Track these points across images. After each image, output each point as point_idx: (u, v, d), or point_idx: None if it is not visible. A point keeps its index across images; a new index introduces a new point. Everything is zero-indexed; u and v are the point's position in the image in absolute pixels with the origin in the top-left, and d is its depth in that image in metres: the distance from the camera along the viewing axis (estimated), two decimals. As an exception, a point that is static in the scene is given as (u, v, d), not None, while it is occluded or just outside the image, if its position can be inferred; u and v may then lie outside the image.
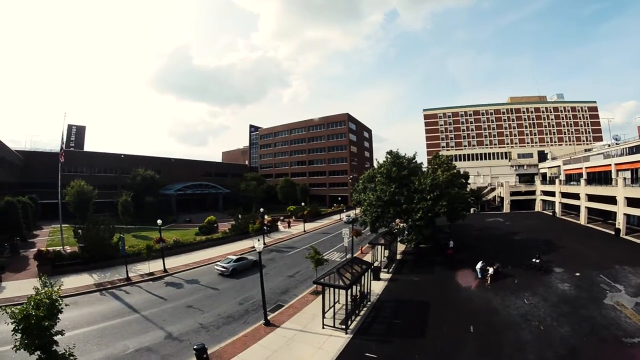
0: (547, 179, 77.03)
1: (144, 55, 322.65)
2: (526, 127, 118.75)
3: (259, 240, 22.01)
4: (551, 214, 64.16)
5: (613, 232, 41.59)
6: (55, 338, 11.38)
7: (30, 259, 30.69)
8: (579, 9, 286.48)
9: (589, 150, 69.64)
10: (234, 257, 31.13)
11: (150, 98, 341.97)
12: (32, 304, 10.92)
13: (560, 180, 64.01)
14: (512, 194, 75.03)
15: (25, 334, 10.60)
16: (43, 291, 11.51)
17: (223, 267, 29.68)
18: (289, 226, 57.67)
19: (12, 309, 10.72)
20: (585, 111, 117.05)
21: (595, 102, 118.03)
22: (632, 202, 39.43)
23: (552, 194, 65.50)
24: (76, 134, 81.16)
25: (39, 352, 10.99)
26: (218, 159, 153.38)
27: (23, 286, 23.97)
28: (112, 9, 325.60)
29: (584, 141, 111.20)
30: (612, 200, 43.04)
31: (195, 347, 14.61)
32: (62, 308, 11.81)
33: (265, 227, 49.74)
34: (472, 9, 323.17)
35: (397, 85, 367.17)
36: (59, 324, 11.61)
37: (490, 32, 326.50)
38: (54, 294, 11.57)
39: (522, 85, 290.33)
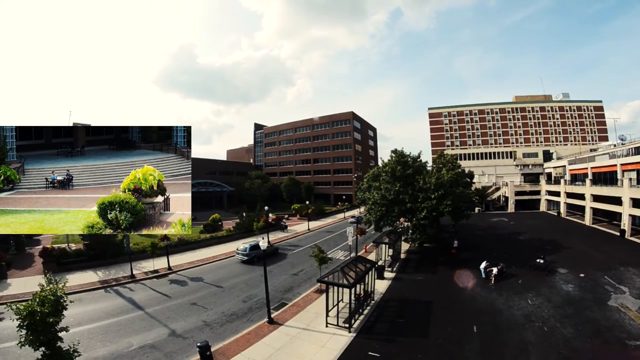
0: (552, 178, 76.50)
1: (149, 53, 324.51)
2: (531, 126, 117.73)
3: (263, 239, 22.08)
4: (556, 214, 63.73)
5: (618, 233, 41.23)
6: (60, 334, 11.48)
7: (36, 256, 30.97)
8: (584, 8, 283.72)
9: (595, 150, 69.04)
10: (356, 214, 58.41)
11: (155, 96, 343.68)
12: (37, 300, 11.00)
13: (565, 180, 63.53)
14: (517, 193, 74.62)
15: (30, 330, 10.68)
16: (48, 288, 11.60)
17: (353, 220, 47.71)
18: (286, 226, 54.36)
19: (18, 305, 10.80)
20: (591, 111, 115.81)
21: (601, 101, 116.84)
22: (637, 203, 39.04)
23: (557, 194, 65.01)
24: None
25: (43, 348, 11.08)
26: (222, 157, 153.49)
27: (28, 283, 24.25)
28: (119, 7, 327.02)
29: (589, 141, 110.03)
30: (617, 200, 42.64)
31: (198, 344, 14.63)
32: (66, 305, 11.91)
33: (282, 223, 52.10)
34: (477, 7, 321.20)
35: (402, 83, 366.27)
36: (64, 320, 11.70)
37: (495, 31, 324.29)
38: (59, 291, 11.66)
39: (528, 84, 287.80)
